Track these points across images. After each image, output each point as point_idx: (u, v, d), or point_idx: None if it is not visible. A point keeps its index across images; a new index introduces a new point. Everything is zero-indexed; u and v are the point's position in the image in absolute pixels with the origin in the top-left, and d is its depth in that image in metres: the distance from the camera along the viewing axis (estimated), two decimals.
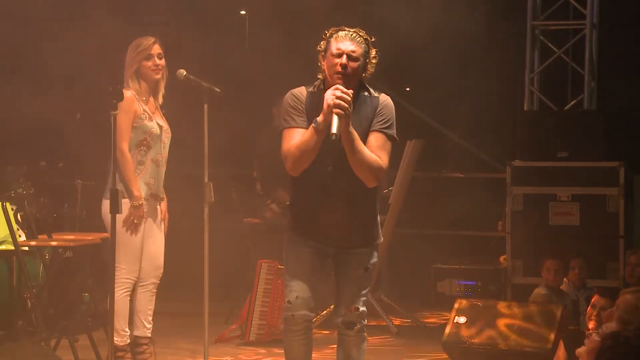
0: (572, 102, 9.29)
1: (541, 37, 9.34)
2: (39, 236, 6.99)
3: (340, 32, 4.87)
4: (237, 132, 9.43)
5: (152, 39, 6.15)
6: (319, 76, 4.92)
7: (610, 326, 5.46)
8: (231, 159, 9.98)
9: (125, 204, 5.90)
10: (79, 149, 8.45)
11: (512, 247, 8.48)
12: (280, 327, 5.10)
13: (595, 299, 6.30)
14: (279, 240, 5.16)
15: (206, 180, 5.82)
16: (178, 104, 6.48)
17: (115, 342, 5.94)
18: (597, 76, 9.22)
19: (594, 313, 6.23)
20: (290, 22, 9.56)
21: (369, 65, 4.90)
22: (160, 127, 6.15)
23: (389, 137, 4.89)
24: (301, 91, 4.93)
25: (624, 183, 8.27)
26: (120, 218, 5.81)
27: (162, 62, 6.16)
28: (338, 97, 4.68)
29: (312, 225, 4.90)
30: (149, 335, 6.21)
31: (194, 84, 5.84)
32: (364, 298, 4.98)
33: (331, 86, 4.77)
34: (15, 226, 6.83)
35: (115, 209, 5.35)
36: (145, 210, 6.04)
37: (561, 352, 6.12)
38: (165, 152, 6.19)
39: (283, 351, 5.06)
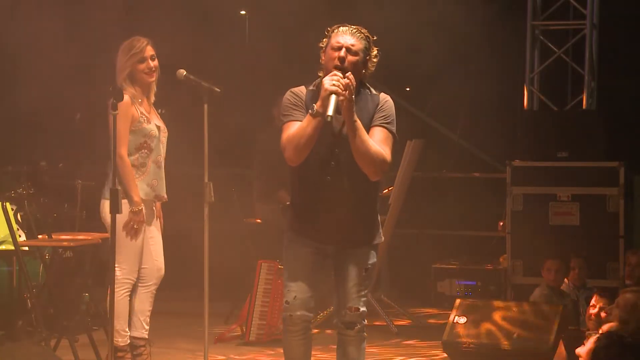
0: (572, 102, 9.29)
1: (541, 37, 9.34)
2: (39, 236, 6.99)
3: (341, 27, 4.89)
4: (237, 132, 9.44)
5: (144, 41, 6.10)
6: (319, 74, 4.92)
7: (610, 325, 5.47)
8: (231, 159, 9.98)
9: (125, 204, 5.90)
10: (79, 149, 8.46)
11: (512, 247, 8.48)
12: (280, 327, 5.09)
13: (595, 298, 6.30)
14: (279, 240, 5.16)
15: (206, 180, 5.82)
16: (178, 104, 6.49)
17: (115, 342, 5.94)
18: (597, 76, 9.22)
19: (594, 313, 6.24)
20: (290, 22, 9.56)
21: (369, 63, 4.90)
22: (158, 127, 6.14)
23: (391, 132, 4.90)
24: (301, 89, 4.95)
25: (624, 183, 8.27)
26: (120, 219, 5.83)
27: (156, 63, 6.12)
28: (335, 80, 4.68)
29: (312, 224, 4.90)
30: (147, 336, 6.20)
31: (194, 84, 5.84)
32: (364, 298, 4.98)
33: None
34: (15, 226, 6.83)
35: (115, 209, 5.36)
36: (146, 212, 6.05)
37: (561, 352, 6.12)
38: (164, 152, 6.19)
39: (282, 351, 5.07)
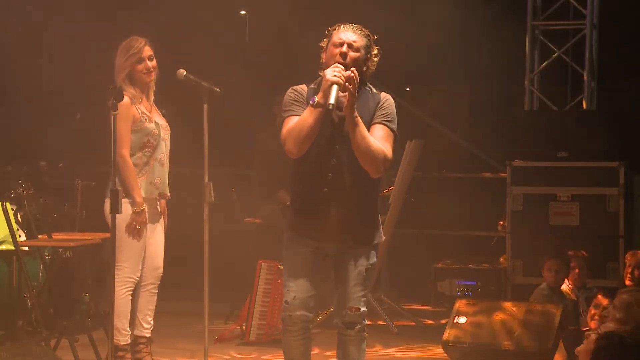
0: (572, 102, 9.29)
1: (541, 37, 9.34)
2: (39, 236, 6.99)
3: (343, 25, 4.91)
4: (237, 132, 9.44)
5: (142, 41, 6.10)
6: (320, 73, 4.93)
7: (608, 326, 5.47)
8: (231, 159, 9.99)
9: (125, 203, 5.91)
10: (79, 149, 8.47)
11: (512, 247, 8.48)
12: (280, 327, 5.09)
13: (598, 299, 6.30)
14: (279, 240, 5.16)
15: (206, 180, 5.82)
16: (178, 104, 6.49)
17: (116, 341, 5.95)
18: (597, 76, 9.22)
19: (597, 313, 6.23)
20: (290, 22, 9.56)
21: (369, 62, 4.92)
22: (160, 125, 6.15)
23: (392, 130, 4.90)
24: (302, 87, 4.97)
25: (624, 183, 8.26)
26: (121, 219, 5.83)
27: (154, 63, 6.13)
28: (336, 71, 4.70)
29: (312, 222, 4.89)
30: (148, 335, 6.21)
31: (194, 84, 5.84)
32: (364, 298, 4.98)
33: None
34: (15, 226, 6.83)
35: (115, 208, 5.36)
36: (148, 210, 6.06)
37: (561, 352, 6.12)
38: (167, 149, 6.20)
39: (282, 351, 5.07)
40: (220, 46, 10.02)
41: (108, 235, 5.57)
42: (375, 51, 4.94)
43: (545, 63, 9.33)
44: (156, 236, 6.20)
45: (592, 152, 8.40)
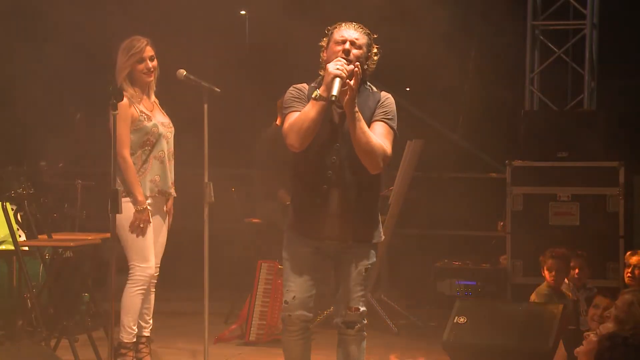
0: (572, 102, 9.29)
1: (541, 37, 9.35)
2: (39, 236, 7.00)
3: (344, 23, 4.92)
4: (237, 131, 9.44)
5: (144, 41, 6.12)
6: (321, 72, 4.93)
7: (607, 326, 5.47)
8: (231, 159, 9.98)
9: (128, 202, 5.92)
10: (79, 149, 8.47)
11: (512, 247, 8.48)
12: (280, 327, 5.10)
13: (597, 299, 6.30)
14: (279, 240, 5.16)
15: (206, 180, 5.82)
16: (178, 104, 6.49)
17: (121, 337, 5.97)
18: (597, 76, 9.22)
19: (597, 313, 6.23)
20: (290, 21, 9.56)
21: (370, 61, 4.93)
22: (161, 123, 6.15)
23: (392, 128, 4.91)
24: (303, 85, 4.98)
25: (624, 183, 8.26)
26: (124, 218, 5.86)
27: (155, 63, 6.14)
28: (339, 64, 4.71)
29: (312, 221, 4.90)
30: (147, 334, 6.22)
31: (194, 84, 5.84)
32: (364, 298, 4.98)
33: None
34: (15, 226, 6.83)
35: (115, 208, 5.37)
36: (151, 208, 6.07)
37: (561, 352, 6.12)
38: (169, 147, 6.20)
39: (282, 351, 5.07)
40: (220, 46, 10.02)
41: (108, 235, 5.57)
42: (376, 50, 4.96)
43: (545, 63, 9.32)
44: (160, 237, 6.22)
45: (592, 152, 8.40)
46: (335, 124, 4.86)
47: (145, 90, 6.16)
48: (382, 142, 4.82)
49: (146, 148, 6.08)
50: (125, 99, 5.88)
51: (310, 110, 4.78)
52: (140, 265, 6.05)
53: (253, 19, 11.19)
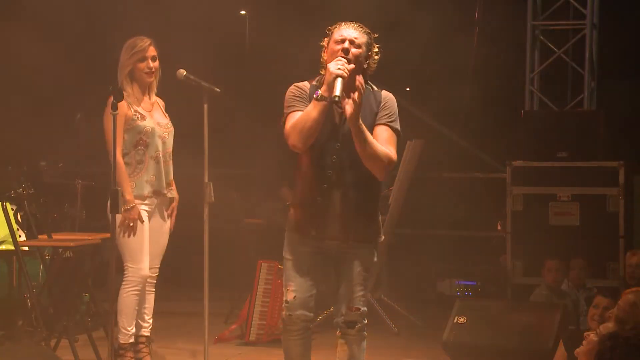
0: (572, 102, 9.29)
1: (541, 37, 9.34)
2: (39, 236, 6.99)
3: (344, 23, 4.92)
4: (237, 131, 9.44)
5: (147, 41, 6.13)
6: (321, 72, 4.93)
7: (608, 326, 5.46)
8: (231, 159, 9.98)
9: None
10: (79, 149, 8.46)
11: (512, 247, 8.47)
12: (280, 327, 5.09)
13: (597, 299, 6.30)
14: (279, 240, 5.16)
15: (206, 180, 5.82)
16: (178, 104, 6.49)
17: (117, 338, 5.96)
18: (597, 76, 9.21)
19: (598, 313, 6.23)
20: (290, 21, 9.57)
21: (370, 60, 4.93)
22: (158, 124, 6.15)
23: (395, 130, 4.92)
24: (304, 84, 4.98)
25: (624, 183, 8.26)
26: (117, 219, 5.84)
27: (156, 64, 6.15)
28: (340, 64, 4.72)
29: (312, 220, 4.90)
30: (147, 334, 6.22)
31: (194, 84, 5.84)
32: (364, 298, 4.98)
33: None
34: (15, 226, 6.83)
35: (115, 208, 5.37)
36: (148, 209, 6.06)
37: (561, 352, 6.12)
38: (166, 148, 6.19)
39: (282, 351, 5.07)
40: (220, 46, 10.02)
41: (108, 235, 5.57)
42: (376, 49, 4.96)
43: (545, 63, 9.32)
44: (161, 239, 6.21)
45: (592, 152, 8.39)
46: (335, 124, 4.87)
47: (145, 90, 6.17)
48: (387, 150, 4.83)
49: (140, 148, 6.07)
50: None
51: (312, 111, 4.78)
52: (133, 266, 6.05)
53: (253, 19, 11.18)
